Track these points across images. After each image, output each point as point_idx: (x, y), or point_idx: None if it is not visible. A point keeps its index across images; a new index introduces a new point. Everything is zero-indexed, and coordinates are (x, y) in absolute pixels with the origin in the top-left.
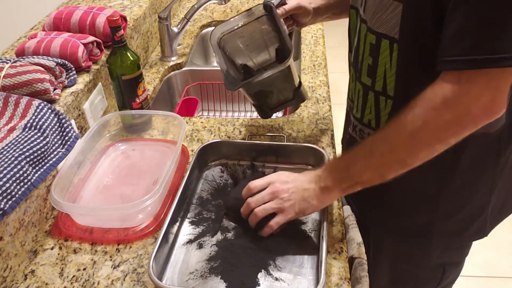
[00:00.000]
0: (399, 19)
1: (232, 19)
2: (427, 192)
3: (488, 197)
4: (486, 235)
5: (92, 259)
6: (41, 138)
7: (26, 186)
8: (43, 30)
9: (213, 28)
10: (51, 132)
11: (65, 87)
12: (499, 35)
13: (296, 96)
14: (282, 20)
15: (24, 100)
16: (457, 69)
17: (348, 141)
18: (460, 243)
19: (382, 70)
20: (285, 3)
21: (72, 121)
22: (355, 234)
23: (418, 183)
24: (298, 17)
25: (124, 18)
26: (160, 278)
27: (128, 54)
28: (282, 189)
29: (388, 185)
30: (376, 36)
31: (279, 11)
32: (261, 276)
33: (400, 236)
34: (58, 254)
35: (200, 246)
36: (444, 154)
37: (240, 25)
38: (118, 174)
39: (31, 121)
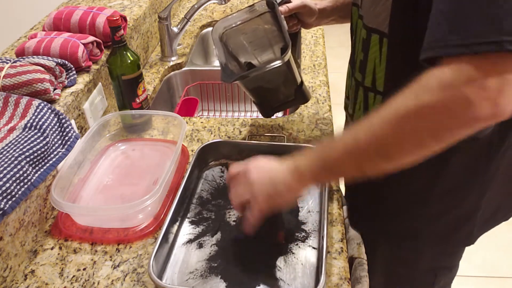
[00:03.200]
0: (389, 12)
1: (234, 15)
2: (416, 194)
3: (477, 203)
4: (473, 243)
5: (92, 259)
6: (41, 138)
7: (26, 186)
8: (43, 30)
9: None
10: (51, 132)
11: (65, 87)
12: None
13: (298, 96)
14: (283, 16)
15: (24, 100)
16: (458, 54)
17: None
18: (450, 248)
19: (371, 65)
20: (289, 1)
21: (72, 121)
22: (355, 234)
23: (407, 185)
24: (302, 17)
25: (124, 18)
26: (160, 278)
27: (128, 54)
28: (252, 166)
29: (378, 186)
30: (367, 31)
31: (283, 8)
32: (261, 276)
33: (392, 239)
34: (58, 254)
35: (200, 246)
36: (433, 157)
37: (242, 21)
38: (118, 174)
39: (31, 121)
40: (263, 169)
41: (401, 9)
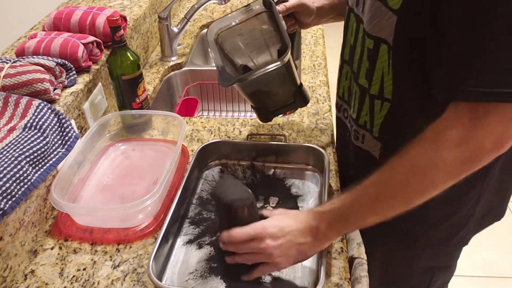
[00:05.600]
0: (393, 28)
1: (229, 15)
2: None
3: (473, 208)
4: (467, 244)
5: (92, 259)
6: (41, 138)
7: (26, 186)
8: (43, 30)
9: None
10: (51, 132)
11: (65, 87)
12: None
13: (298, 98)
14: (281, 16)
15: (24, 100)
16: (473, 101)
17: (341, 141)
18: (446, 249)
19: (379, 74)
20: (286, 0)
21: (72, 121)
22: (355, 234)
23: None
24: (300, 16)
25: (124, 18)
26: (160, 278)
27: (128, 54)
28: (273, 246)
29: None
30: (374, 41)
31: (280, 7)
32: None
33: (389, 239)
34: (58, 254)
35: (200, 246)
36: None
37: (238, 22)
38: (118, 174)
39: (31, 121)
40: (280, 233)
41: (406, 29)
